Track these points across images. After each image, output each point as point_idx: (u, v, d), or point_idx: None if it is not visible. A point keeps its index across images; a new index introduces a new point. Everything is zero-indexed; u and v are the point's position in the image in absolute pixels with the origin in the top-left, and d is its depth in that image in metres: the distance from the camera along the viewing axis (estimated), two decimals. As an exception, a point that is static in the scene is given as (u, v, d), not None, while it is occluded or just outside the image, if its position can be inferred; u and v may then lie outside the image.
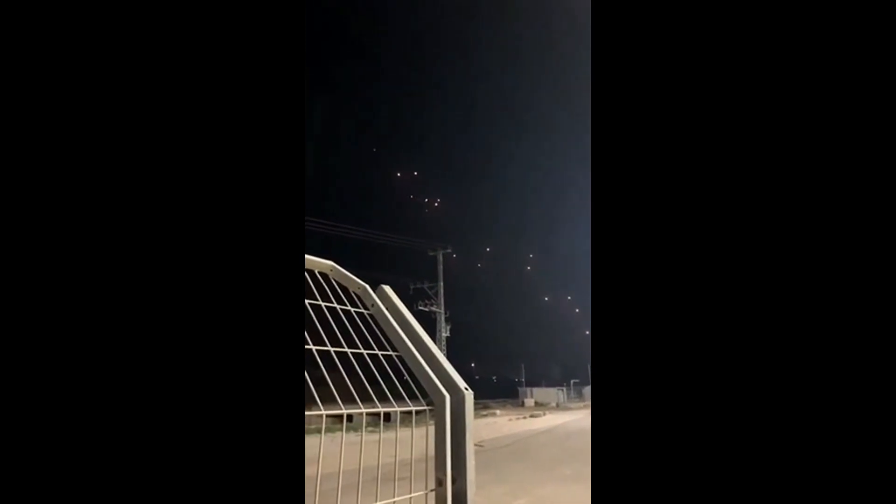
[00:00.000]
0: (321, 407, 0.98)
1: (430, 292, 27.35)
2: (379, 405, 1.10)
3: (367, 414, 1.09)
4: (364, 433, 1.05)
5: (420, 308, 26.47)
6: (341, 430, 1.03)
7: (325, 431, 1.03)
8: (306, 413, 0.94)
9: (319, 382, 1.08)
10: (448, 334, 27.34)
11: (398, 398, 1.17)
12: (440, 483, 1.12)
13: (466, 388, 1.19)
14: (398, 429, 1.11)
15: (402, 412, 1.16)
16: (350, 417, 1.07)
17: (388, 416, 1.12)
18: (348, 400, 1.08)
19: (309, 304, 1.18)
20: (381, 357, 1.22)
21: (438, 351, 1.27)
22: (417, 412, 1.17)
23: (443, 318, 27.14)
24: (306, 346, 1.05)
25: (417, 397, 1.19)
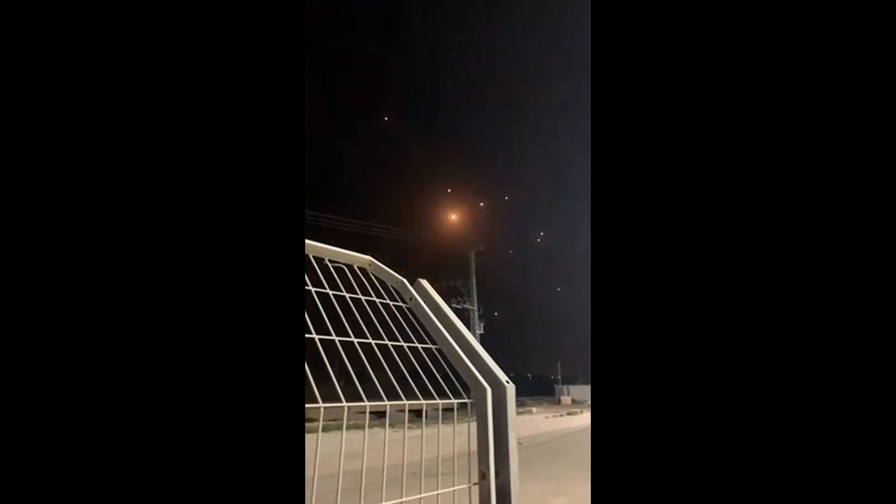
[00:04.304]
0: (366, 400, 0.98)
1: (462, 290, 27.35)
2: (422, 398, 1.10)
3: (408, 410, 1.09)
4: (405, 429, 1.04)
5: (453, 306, 26.49)
6: (382, 426, 1.03)
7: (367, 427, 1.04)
8: (348, 405, 0.94)
9: (361, 377, 1.09)
10: (482, 331, 27.29)
11: (439, 393, 1.16)
12: (483, 476, 1.11)
13: (507, 382, 1.17)
14: (440, 424, 1.10)
15: (443, 408, 1.16)
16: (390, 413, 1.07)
17: (427, 411, 1.12)
18: (390, 394, 1.08)
19: (349, 297, 1.18)
20: (421, 350, 1.22)
21: (478, 344, 1.26)
22: (458, 407, 1.16)
23: (476, 315, 27.12)
24: (348, 339, 1.06)
25: (458, 392, 1.19)
